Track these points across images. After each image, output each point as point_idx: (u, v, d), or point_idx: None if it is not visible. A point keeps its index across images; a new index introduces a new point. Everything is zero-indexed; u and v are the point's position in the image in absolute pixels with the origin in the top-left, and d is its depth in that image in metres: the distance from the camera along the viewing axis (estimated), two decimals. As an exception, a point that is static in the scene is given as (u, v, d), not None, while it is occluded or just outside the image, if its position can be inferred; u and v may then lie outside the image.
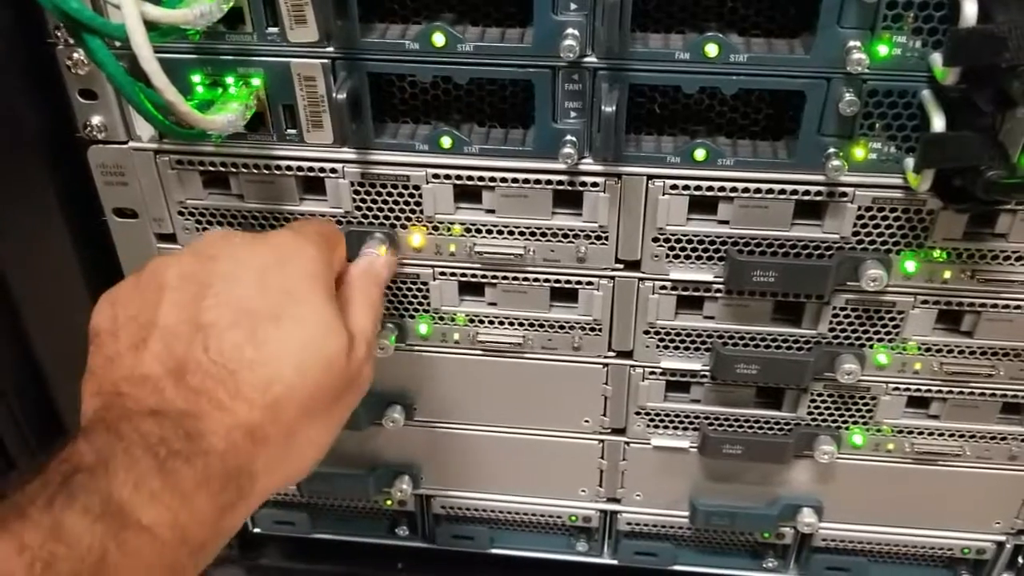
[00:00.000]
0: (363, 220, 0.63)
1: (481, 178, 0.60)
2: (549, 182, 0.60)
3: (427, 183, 0.61)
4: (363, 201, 0.62)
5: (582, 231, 0.62)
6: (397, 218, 0.63)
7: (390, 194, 0.62)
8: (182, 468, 0.38)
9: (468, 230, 0.63)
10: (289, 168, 0.61)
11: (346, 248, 0.57)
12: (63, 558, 0.34)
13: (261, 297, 0.43)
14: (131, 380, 0.41)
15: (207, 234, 0.47)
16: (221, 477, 0.39)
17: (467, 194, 0.62)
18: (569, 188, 0.60)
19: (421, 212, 0.62)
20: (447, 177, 0.61)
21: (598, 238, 0.62)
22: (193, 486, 0.38)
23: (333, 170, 0.61)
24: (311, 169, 0.61)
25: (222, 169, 0.62)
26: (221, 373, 0.40)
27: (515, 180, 0.60)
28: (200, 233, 0.65)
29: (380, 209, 0.63)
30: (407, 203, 0.62)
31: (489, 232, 0.63)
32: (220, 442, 0.39)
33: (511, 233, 0.63)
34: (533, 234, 0.63)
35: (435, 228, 0.63)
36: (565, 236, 0.62)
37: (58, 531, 0.35)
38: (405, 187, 0.61)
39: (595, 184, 0.60)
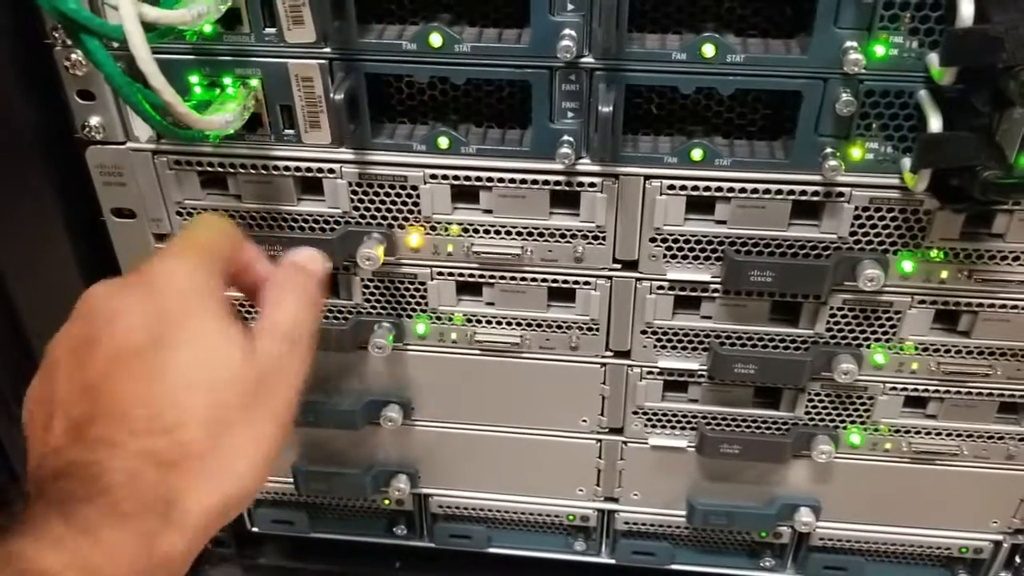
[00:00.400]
0: (361, 220, 0.63)
1: (479, 178, 0.61)
2: (547, 182, 0.60)
3: (425, 183, 0.61)
4: (361, 201, 0.62)
5: (579, 231, 0.62)
6: (395, 218, 0.63)
7: (388, 194, 0.62)
8: (83, 509, 0.39)
9: (466, 230, 0.63)
10: (287, 168, 0.61)
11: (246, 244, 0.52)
12: None
13: (139, 331, 0.42)
14: (44, 456, 0.42)
15: (87, 295, 0.45)
16: (132, 509, 0.39)
17: (465, 194, 0.62)
18: (567, 188, 0.60)
19: (419, 212, 0.62)
20: (444, 177, 0.61)
21: (595, 238, 0.62)
22: (99, 523, 0.38)
23: (331, 170, 0.61)
24: (309, 169, 0.61)
25: (220, 170, 0.62)
26: (113, 416, 0.40)
27: (512, 180, 0.60)
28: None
29: (378, 209, 0.63)
30: (405, 203, 0.62)
31: (487, 232, 0.63)
32: (120, 476, 0.39)
33: (508, 233, 0.63)
34: (531, 234, 0.63)
35: (433, 228, 0.63)
36: (563, 236, 0.62)
37: None
38: (403, 187, 0.62)
39: (592, 184, 0.60)
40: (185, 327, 0.43)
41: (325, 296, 0.53)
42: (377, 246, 0.62)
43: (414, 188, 0.61)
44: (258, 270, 0.51)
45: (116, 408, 0.41)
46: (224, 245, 0.49)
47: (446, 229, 0.63)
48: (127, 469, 0.39)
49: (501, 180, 0.60)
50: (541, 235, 0.63)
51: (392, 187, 0.62)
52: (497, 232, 0.63)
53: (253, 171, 0.62)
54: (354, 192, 0.62)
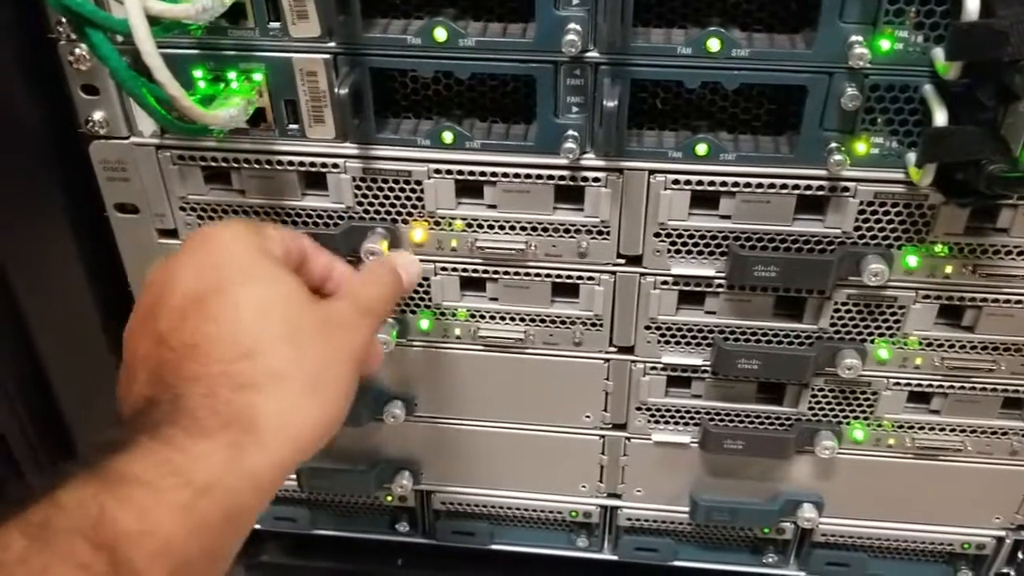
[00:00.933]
0: (364, 215, 0.63)
1: (483, 173, 0.60)
2: (551, 177, 0.60)
3: (428, 178, 0.61)
4: (364, 196, 0.62)
5: (583, 226, 0.62)
6: (399, 213, 0.63)
7: (391, 189, 0.62)
8: (169, 430, 0.40)
9: (469, 225, 0.63)
10: (291, 163, 0.61)
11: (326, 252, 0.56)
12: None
13: (198, 282, 0.45)
14: (131, 407, 0.44)
15: (148, 273, 0.49)
16: (214, 425, 0.41)
17: (468, 189, 0.62)
18: (571, 183, 0.60)
19: (423, 207, 0.62)
20: (448, 172, 0.61)
21: (600, 233, 0.62)
22: (185, 439, 0.40)
23: (335, 165, 0.61)
24: (313, 164, 0.61)
25: (224, 164, 0.62)
26: (187, 353, 0.43)
27: (516, 175, 0.60)
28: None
29: (382, 204, 0.63)
30: (408, 198, 0.62)
31: (491, 227, 0.63)
32: (198, 399, 0.42)
33: (512, 228, 0.63)
34: (535, 229, 0.63)
35: (436, 223, 0.63)
36: (567, 231, 0.62)
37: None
38: (407, 182, 0.61)
39: (596, 179, 0.60)
40: (244, 271, 0.46)
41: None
42: (381, 241, 0.62)
43: (418, 183, 0.61)
44: (322, 262, 0.55)
45: (188, 347, 0.43)
46: (276, 232, 0.51)
47: (450, 224, 0.63)
48: (204, 393, 0.42)
49: (505, 175, 0.60)
50: (545, 230, 0.63)
51: (396, 182, 0.62)
52: (501, 227, 0.63)
53: (257, 166, 0.62)
54: (358, 187, 0.62)
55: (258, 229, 0.50)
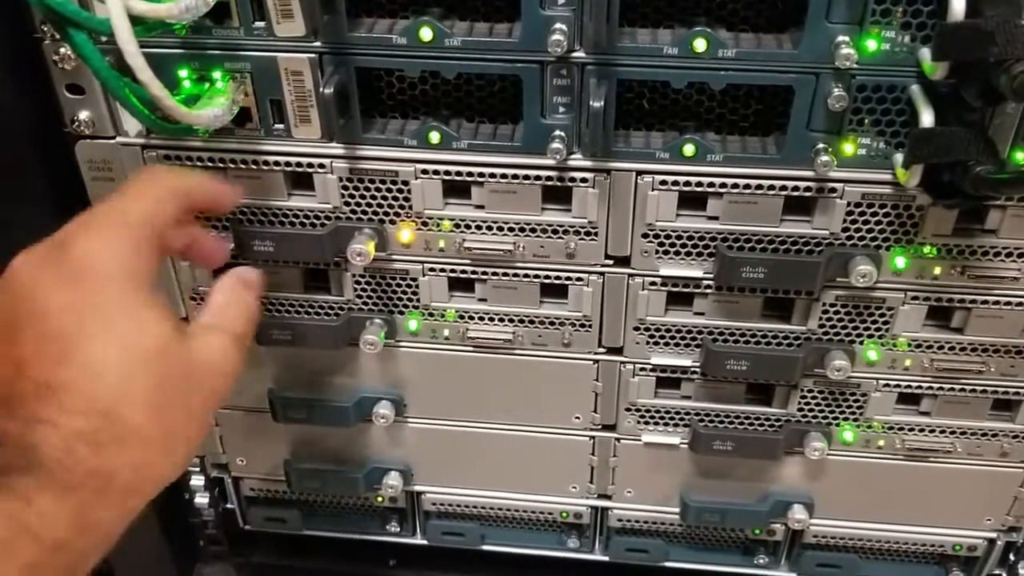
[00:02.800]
0: (352, 216, 0.63)
1: (470, 173, 0.60)
2: (538, 178, 0.60)
3: (416, 179, 0.61)
4: (351, 197, 0.62)
5: (572, 227, 0.62)
6: (386, 214, 0.63)
7: (379, 189, 0.62)
8: (21, 479, 0.40)
9: (457, 226, 0.63)
10: (277, 163, 0.61)
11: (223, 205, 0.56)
12: None
13: (65, 315, 0.43)
14: None
15: (12, 267, 0.45)
16: (67, 480, 0.41)
17: (456, 189, 0.62)
18: (558, 184, 0.60)
19: (410, 208, 0.62)
20: (436, 172, 0.61)
21: (588, 234, 0.62)
22: (35, 490, 0.40)
23: (321, 165, 0.61)
24: (299, 164, 0.61)
25: (210, 164, 0.62)
26: (45, 395, 0.41)
27: (504, 175, 0.60)
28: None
29: (369, 205, 0.62)
30: (396, 199, 0.62)
31: (479, 228, 0.63)
32: (57, 452, 0.41)
33: (500, 229, 0.63)
34: (523, 230, 0.62)
35: (424, 224, 0.63)
36: (555, 232, 0.62)
37: None
38: (394, 183, 0.61)
39: (584, 180, 0.59)
40: (112, 313, 0.44)
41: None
42: (368, 242, 0.62)
43: (405, 183, 0.61)
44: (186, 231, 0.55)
45: (44, 387, 0.41)
46: (161, 208, 0.49)
47: (437, 225, 0.63)
48: (63, 447, 0.41)
49: (492, 175, 0.60)
50: (533, 231, 0.62)
51: (383, 182, 0.61)
52: (489, 228, 0.63)
53: (243, 166, 0.61)
54: (344, 187, 0.62)
55: (140, 236, 0.47)
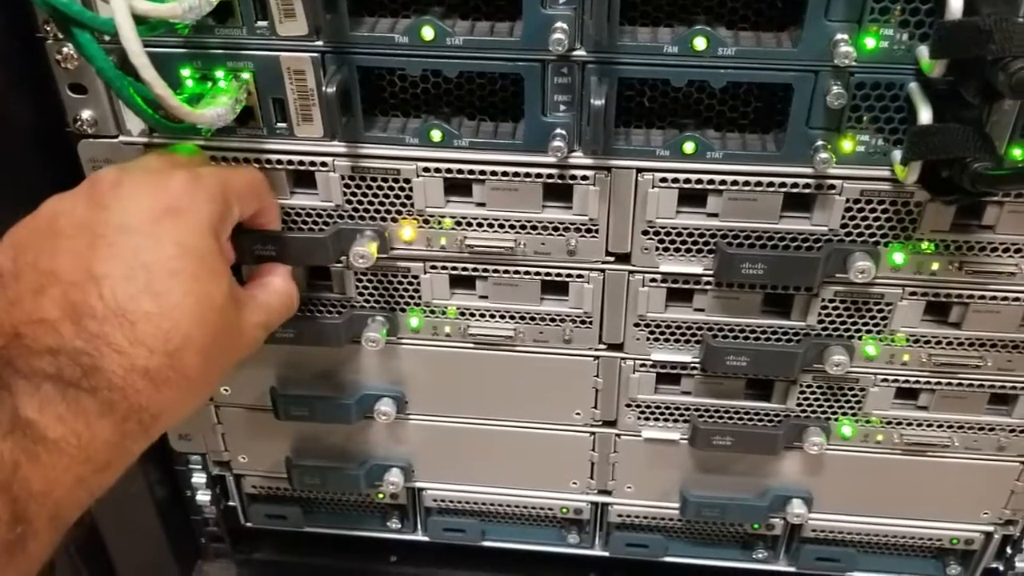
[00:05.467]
0: (354, 213, 0.63)
1: (471, 171, 0.61)
2: (539, 175, 0.60)
3: (417, 176, 0.61)
4: (353, 194, 0.62)
5: (572, 224, 0.62)
6: (388, 211, 0.63)
7: (380, 187, 0.62)
8: (84, 397, 0.42)
9: (459, 223, 0.63)
10: (279, 162, 0.61)
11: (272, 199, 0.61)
12: None
13: (154, 249, 0.45)
14: (30, 323, 0.43)
15: (101, 172, 0.48)
16: (122, 411, 0.43)
17: (457, 187, 0.62)
18: (559, 181, 0.60)
19: (412, 205, 0.62)
20: (437, 170, 0.61)
21: (588, 231, 0.62)
22: (96, 415, 0.42)
23: (323, 163, 0.61)
24: (301, 163, 0.61)
25: (212, 163, 0.62)
26: (119, 320, 0.43)
27: (505, 173, 0.60)
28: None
29: (371, 202, 0.63)
30: (397, 196, 0.62)
31: (480, 225, 0.63)
32: (119, 380, 0.43)
33: (501, 226, 0.63)
34: (524, 227, 0.63)
35: (426, 221, 0.63)
36: (556, 229, 0.62)
37: None
38: (395, 180, 0.61)
39: (585, 177, 0.60)
40: (197, 261, 0.46)
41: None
42: (370, 243, 0.62)
43: (407, 181, 0.61)
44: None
45: (124, 313, 0.43)
46: (252, 199, 0.55)
47: (439, 222, 0.63)
48: (128, 378, 0.43)
49: (494, 173, 0.60)
50: (534, 228, 0.63)
51: (385, 180, 0.62)
52: (490, 225, 0.63)
53: (246, 164, 0.62)
54: (347, 185, 0.62)
55: (225, 207, 0.51)
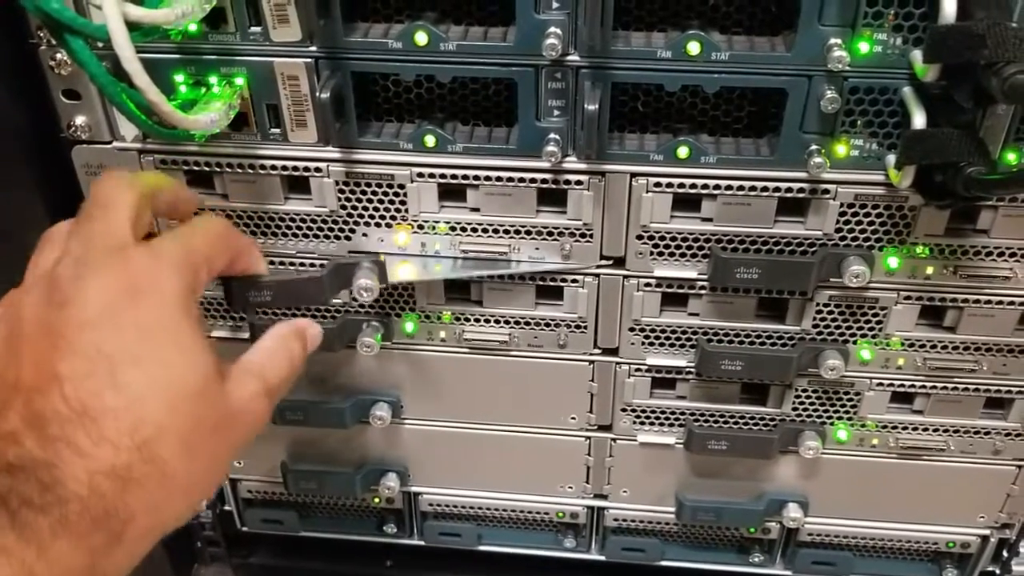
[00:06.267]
0: (348, 219, 0.63)
1: (465, 176, 0.61)
2: (533, 180, 0.60)
3: (411, 182, 0.61)
4: (348, 200, 0.62)
5: (567, 229, 0.62)
6: (382, 217, 0.63)
7: (375, 193, 0.62)
8: (37, 519, 0.38)
9: (453, 228, 0.63)
10: (274, 167, 0.61)
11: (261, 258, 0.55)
12: None
13: (116, 338, 0.41)
14: None
15: (61, 264, 0.43)
16: (85, 522, 0.38)
17: (452, 192, 0.62)
18: (553, 186, 0.60)
19: (406, 211, 0.62)
20: (432, 176, 0.61)
21: (583, 236, 0.62)
22: (49, 535, 0.38)
23: (318, 169, 0.61)
24: (296, 168, 0.61)
25: (206, 168, 0.62)
26: (81, 420, 0.39)
27: (499, 178, 0.60)
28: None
29: (365, 208, 0.63)
30: (392, 202, 0.62)
31: (474, 230, 0.63)
32: (81, 488, 0.38)
33: (496, 231, 0.63)
34: (518, 232, 0.63)
35: (420, 227, 0.63)
36: (550, 234, 0.62)
37: None
38: (390, 186, 0.61)
39: (579, 182, 0.60)
40: (164, 344, 0.42)
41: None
42: (371, 276, 0.62)
43: (401, 187, 0.61)
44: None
45: (86, 411, 0.39)
46: (219, 256, 0.50)
47: (433, 228, 0.63)
48: (92, 483, 0.38)
49: (488, 178, 0.60)
50: (528, 233, 0.63)
51: (379, 185, 0.62)
52: (484, 230, 0.63)
53: (240, 170, 0.62)
54: (341, 191, 0.62)
55: (199, 270, 0.47)
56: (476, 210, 0.62)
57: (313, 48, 0.56)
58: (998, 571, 0.79)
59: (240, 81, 0.58)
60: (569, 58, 0.55)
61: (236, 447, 0.46)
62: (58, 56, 0.58)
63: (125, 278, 0.43)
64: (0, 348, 0.42)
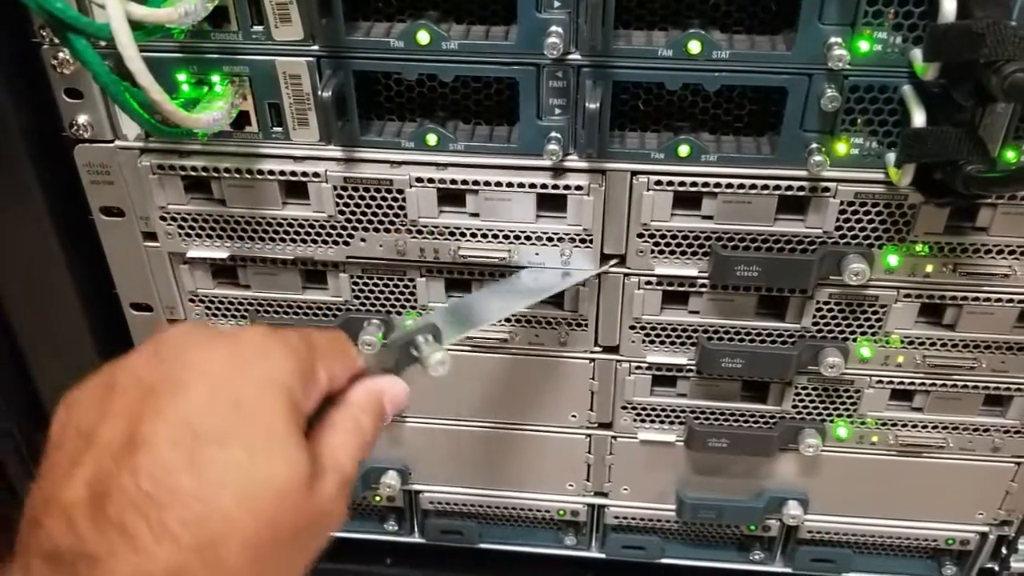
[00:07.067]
0: (346, 224, 0.63)
1: (465, 181, 0.60)
2: (533, 185, 0.60)
3: (410, 187, 0.61)
4: (346, 205, 0.62)
5: (567, 234, 0.62)
6: (380, 222, 0.63)
7: (373, 198, 0.62)
8: None
9: (452, 234, 0.63)
10: (271, 172, 0.61)
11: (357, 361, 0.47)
12: None
13: (208, 410, 0.36)
14: (50, 507, 0.35)
15: (170, 329, 0.41)
16: None
17: (451, 197, 0.62)
18: (553, 192, 0.60)
19: (405, 216, 0.62)
20: (431, 181, 0.61)
21: (583, 241, 0.62)
22: None
23: (316, 174, 0.61)
24: (294, 173, 0.61)
25: (204, 175, 0.62)
26: (146, 504, 0.34)
27: (499, 183, 0.60)
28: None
29: (363, 213, 0.62)
30: (391, 207, 0.62)
31: (473, 236, 0.63)
32: None
33: (496, 237, 0.63)
34: (517, 237, 0.62)
35: (419, 232, 0.63)
36: (550, 240, 0.62)
37: None
38: (388, 191, 0.61)
39: (579, 187, 0.60)
40: (256, 425, 0.37)
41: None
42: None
43: (400, 192, 0.61)
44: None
45: (154, 492, 0.34)
46: (336, 353, 0.44)
47: (432, 233, 0.63)
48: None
49: (487, 183, 0.60)
50: (528, 238, 0.62)
51: (378, 191, 0.61)
52: (484, 236, 0.63)
53: (237, 175, 0.61)
54: (339, 196, 0.62)
55: (309, 360, 0.41)
56: (476, 215, 0.62)
57: (315, 47, 0.57)
58: (997, 568, 0.79)
59: (242, 80, 0.58)
60: (570, 57, 0.55)
61: (309, 559, 0.40)
62: (60, 55, 0.58)
63: (233, 346, 0.39)
64: (90, 396, 0.38)
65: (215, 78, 0.58)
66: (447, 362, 0.52)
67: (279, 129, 0.60)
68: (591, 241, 0.62)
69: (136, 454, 0.35)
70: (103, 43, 0.48)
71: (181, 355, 0.38)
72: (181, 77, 0.58)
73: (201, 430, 0.35)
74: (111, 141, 0.62)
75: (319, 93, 0.57)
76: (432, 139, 0.60)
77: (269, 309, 0.69)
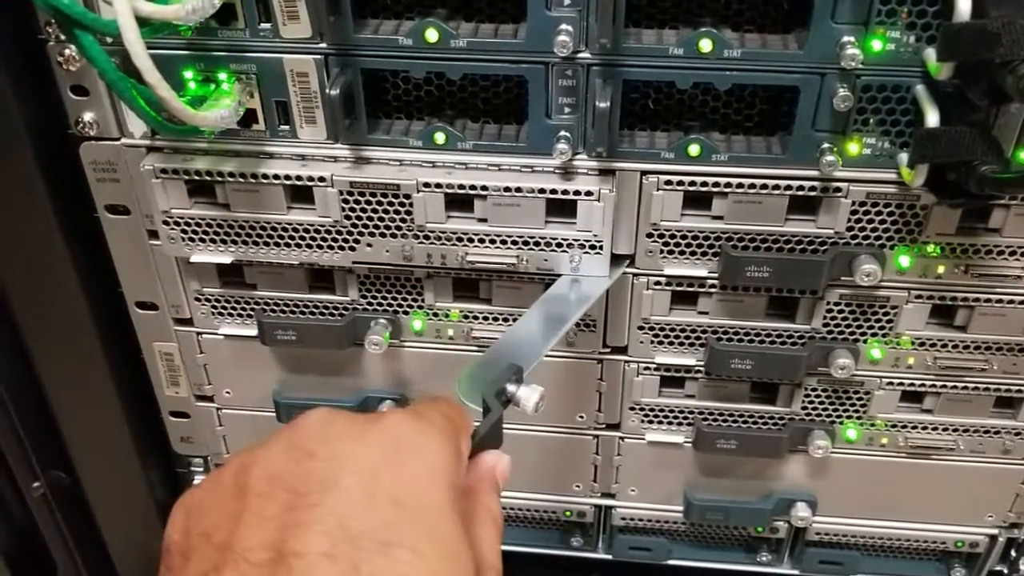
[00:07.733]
0: (352, 229, 0.62)
1: (473, 187, 0.59)
2: (543, 191, 0.59)
3: (418, 192, 0.60)
4: (352, 210, 0.61)
5: (576, 240, 0.61)
6: (387, 227, 0.62)
7: (380, 203, 0.61)
8: None
9: (460, 239, 0.62)
10: (276, 177, 0.60)
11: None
12: None
13: (368, 513, 0.32)
14: None
15: (304, 417, 0.36)
16: None
17: (459, 202, 0.61)
18: (563, 197, 0.59)
19: (412, 221, 0.61)
20: (438, 185, 0.60)
21: (592, 247, 0.61)
22: None
23: (321, 179, 0.60)
24: (299, 178, 0.60)
25: (207, 179, 0.61)
26: None
27: (507, 189, 0.59)
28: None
29: (370, 218, 0.61)
30: (397, 212, 0.61)
31: (481, 241, 0.62)
32: None
33: (504, 242, 0.62)
34: (526, 243, 0.62)
35: (426, 237, 0.62)
36: (559, 245, 0.61)
37: None
38: (395, 196, 0.60)
39: (589, 192, 0.59)
40: (423, 527, 0.33)
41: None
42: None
43: (407, 197, 0.60)
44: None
45: None
46: (465, 426, 0.41)
47: (439, 238, 0.62)
48: None
49: (496, 188, 0.59)
50: (536, 244, 0.62)
51: (384, 195, 0.60)
52: (492, 241, 0.62)
53: (242, 179, 0.61)
54: (345, 201, 0.61)
55: (457, 440, 0.38)
56: (484, 220, 0.61)
57: (323, 45, 0.56)
58: (1006, 571, 0.78)
59: (250, 78, 0.58)
60: (580, 55, 0.55)
61: None
62: (67, 52, 0.58)
63: (385, 434, 0.36)
64: (217, 499, 0.34)
65: (222, 76, 0.58)
66: (544, 397, 0.51)
67: (286, 127, 0.60)
68: (600, 248, 0.61)
69: (288, 569, 0.30)
70: (110, 40, 0.48)
71: (324, 448, 0.34)
72: (188, 74, 0.58)
73: (363, 538, 0.31)
74: (117, 139, 0.62)
75: (327, 91, 0.57)
76: (440, 137, 0.59)
77: (275, 309, 0.68)
